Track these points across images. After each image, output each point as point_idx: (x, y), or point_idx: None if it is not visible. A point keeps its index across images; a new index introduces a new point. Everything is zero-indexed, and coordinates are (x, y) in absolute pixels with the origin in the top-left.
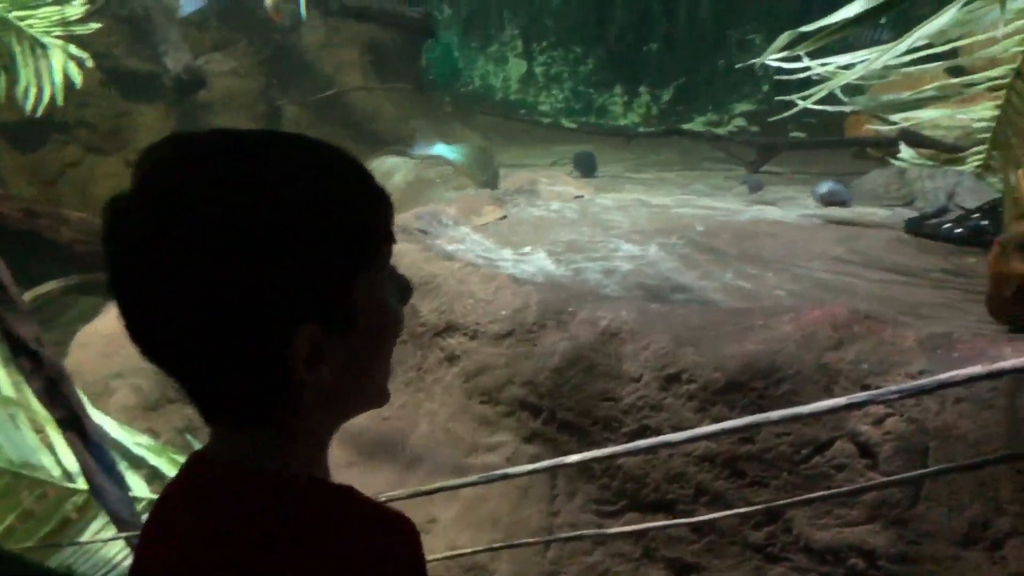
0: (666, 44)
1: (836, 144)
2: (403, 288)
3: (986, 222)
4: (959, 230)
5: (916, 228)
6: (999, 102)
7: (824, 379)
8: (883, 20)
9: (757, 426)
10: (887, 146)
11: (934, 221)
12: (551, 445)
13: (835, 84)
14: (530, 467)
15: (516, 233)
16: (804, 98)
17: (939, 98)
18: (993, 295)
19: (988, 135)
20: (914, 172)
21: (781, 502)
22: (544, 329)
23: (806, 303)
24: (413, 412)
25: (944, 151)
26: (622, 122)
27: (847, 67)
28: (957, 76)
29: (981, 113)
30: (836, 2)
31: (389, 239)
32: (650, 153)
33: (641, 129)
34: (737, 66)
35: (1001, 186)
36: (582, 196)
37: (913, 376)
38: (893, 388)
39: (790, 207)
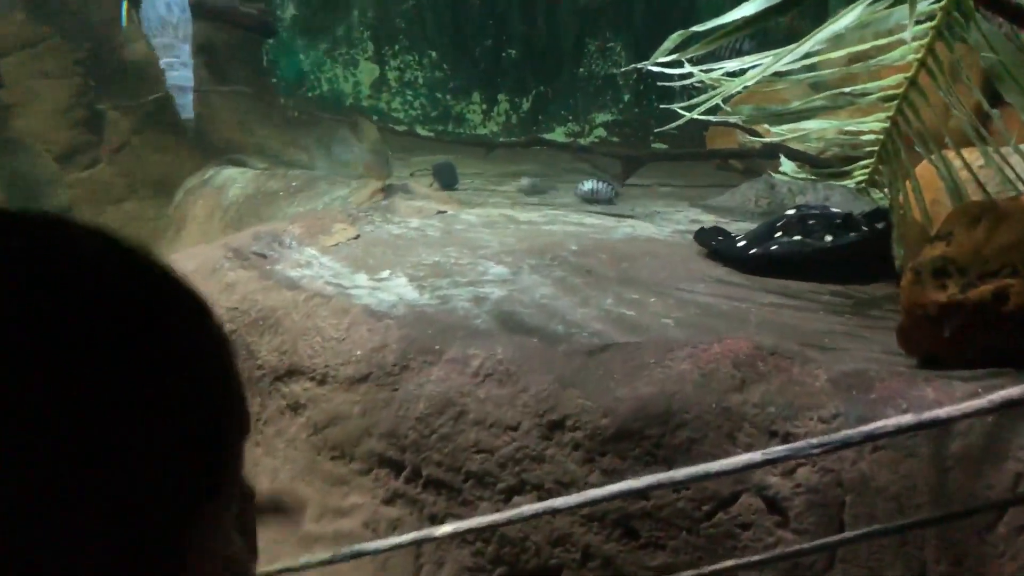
0: (525, 50)
1: (702, 156)
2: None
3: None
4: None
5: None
6: (890, 113)
7: (727, 425)
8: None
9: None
10: (753, 159)
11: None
12: (415, 507)
13: (725, 91)
14: (391, 542)
15: (372, 255)
16: (690, 108)
17: (829, 108)
18: (906, 326)
19: (876, 148)
20: (784, 187)
21: (684, 574)
22: (406, 371)
23: (699, 335)
24: (250, 471)
25: (811, 165)
26: (481, 131)
27: (734, 73)
28: (820, 90)
29: (872, 124)
30: (693, 12)
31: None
32: (511, 164)
33: (502, 139)
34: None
35: (885, 201)
36: (445, 211)
37: (826, 421)
38: (815, 442)
39: (661, 222)
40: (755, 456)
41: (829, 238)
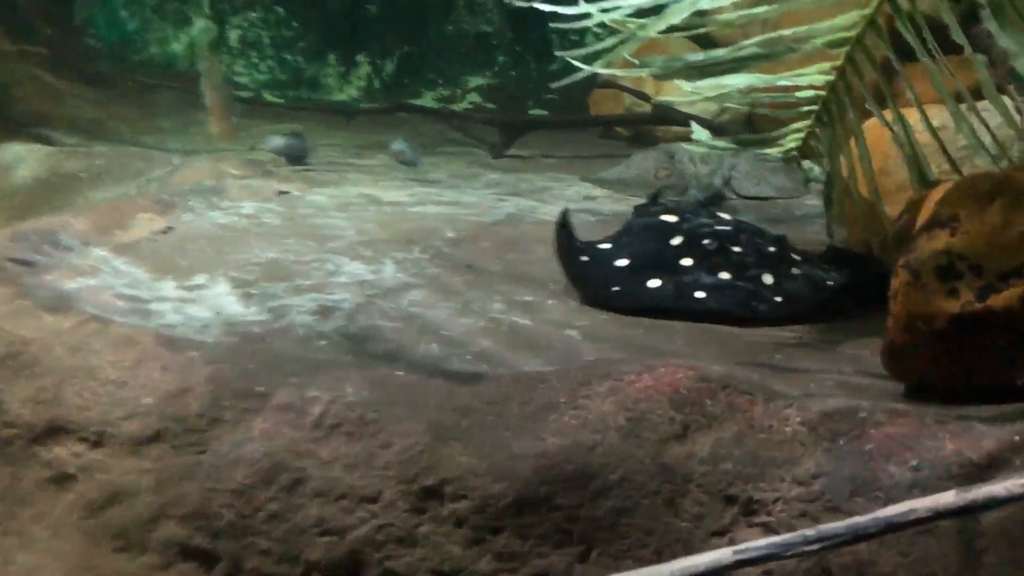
0: (386, 6)
1: (587, 123)
2: None
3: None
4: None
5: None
6: (838, 63)
7: (667, 488)
8: None
9: None
10: (642, 124)
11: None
12: None
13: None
14: None
15: (186, 254)
16: (590, 59)
17: (763, 58)
18: (900, 345)
19: (815, 107)
20: (685, 155)
21: None
22: (218, 425)
23: (618, 352)
24: None
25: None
26: (339, 97)
27: (645, 12)
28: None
29: (813, 78)
30: None
31: None
32: (375, 134)
33: (364, 105)
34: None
35: (818, 173)
36: (288, 192)
37: (804, 482)
38: (811, 533)
39: (550, 199)
40: (721, 554)
41: (769, 279)
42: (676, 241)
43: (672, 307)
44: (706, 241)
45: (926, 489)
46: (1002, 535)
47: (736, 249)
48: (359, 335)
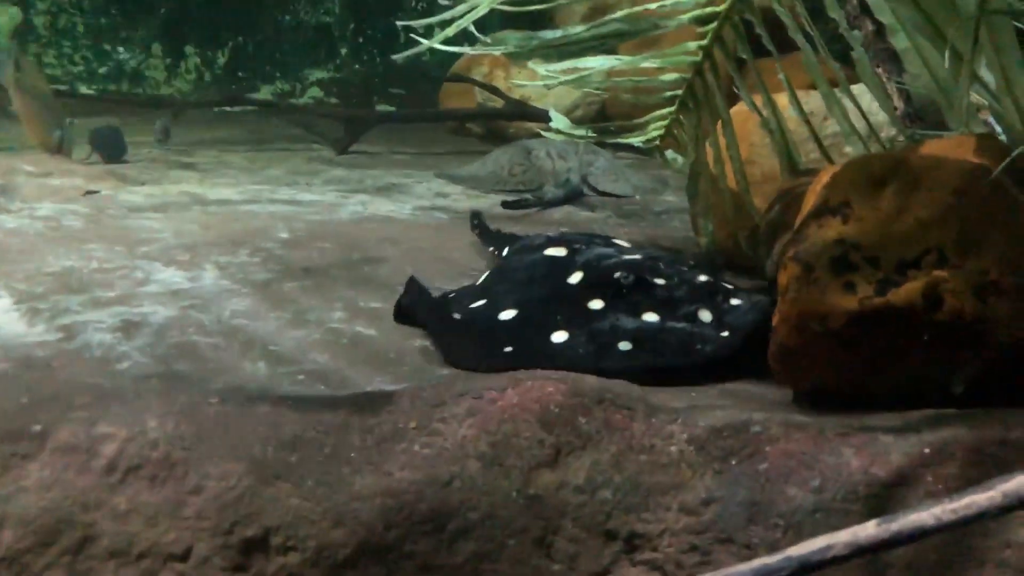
0: None
1: (436, 118)
2: None
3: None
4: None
5: (512, 204)
6: (704, 42)
7: (537, 525)
8: None
9: None
10: (495, 119)
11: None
12: None
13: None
14: None
15: None
16: (436, 31)
17: (626, 36)
18: (790, 347)
19: (679, 92)
20: (542, 151)
21: None
22: None
23: (482, 368)
24: None
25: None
26: (165, 90)
27: None
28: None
29: (677, 58)
30: None
31: None
32: (207, 130)
33: (193, 99)
34: (331, 19)
35: (681, 164)
36: (97, 192)
37: (693, 511)
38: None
39: (399, 197)
40: None
41: (707, 315)
42: (575, 278)
43: (592, 368)
44: (617, 274)
45: (830, 513)
46: (914, 564)
47: (659, 281)
48: (169, 355)
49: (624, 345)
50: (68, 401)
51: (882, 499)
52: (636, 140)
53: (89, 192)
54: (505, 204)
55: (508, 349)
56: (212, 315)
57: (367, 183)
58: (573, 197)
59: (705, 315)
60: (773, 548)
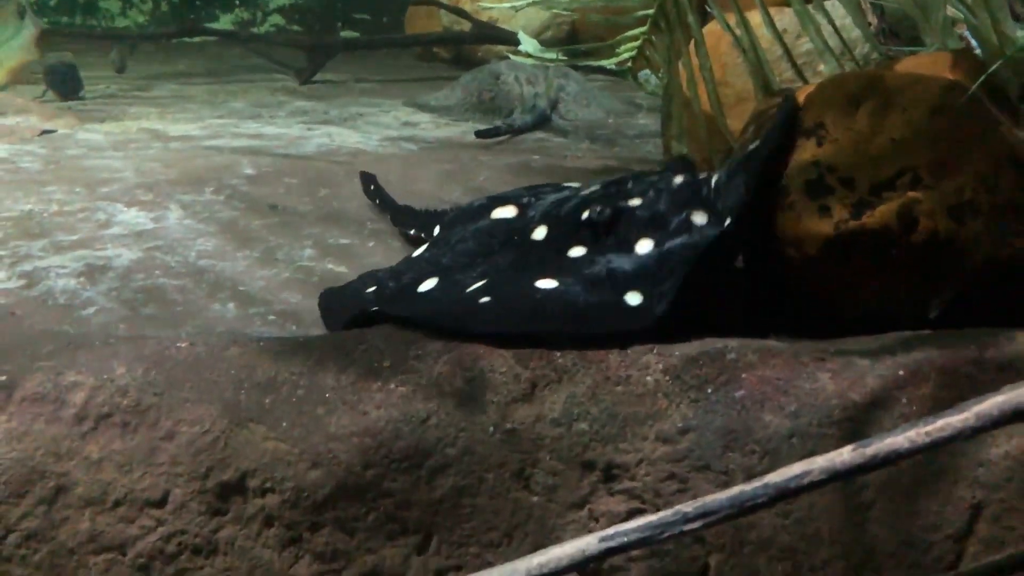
0: None
1: (402, 44)
2: None
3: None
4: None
5: (485, 133)
6: None
7: (514, 459)
8: None
9: None
10: (462, 44)
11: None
12: None
13: None
14: None
15: None
16: None
17: None
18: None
19: (650, 12)
20: (511, 76)
21: None
22: None
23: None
24: None
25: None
26: (121, 22)
27: None
28: None
29: None
30: None
31: None
32: (165, 64)
33: (151, 30)
34: None
35: (654, 85)
36: (53, 131)
37: (671, 439)
38: (690, 510)
39: (366, 127)
40: (588, 544)
41: (702, 218)
42: (539, 234)
43: (622, 330)
44: (587, 214)
45: (806, 438)
46: (889, 485)
47: (634, 202)
48: (136, 299)
49: (633, 298)
50: (33, 350)
51: (857, 422)
52: (608, 62)
53: (45, 131)
54: (478, 133)
55: (482, 300)
56: (178, 256)
57: (332, 114)
58: (542, 123)
59: (699, 217)
60: (751, 475)
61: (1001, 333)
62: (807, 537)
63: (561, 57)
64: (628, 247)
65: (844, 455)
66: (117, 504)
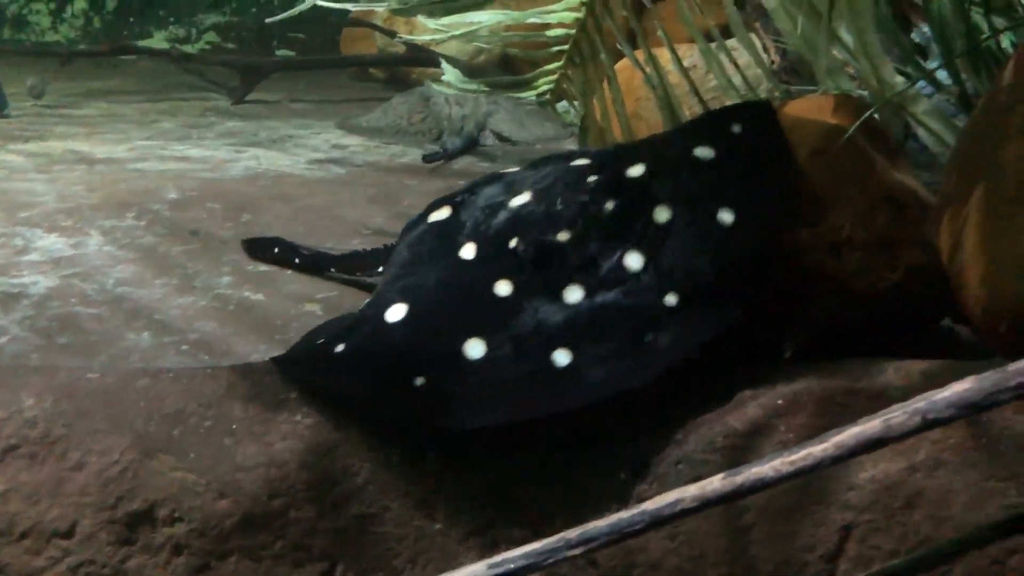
0: None
1: (336, 64)
2: None
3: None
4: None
5: (431, 157)
6: None
7: (419, 488)
8: None
9: None
10: (395, 67)
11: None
12: None
13: None
14: None
15: None
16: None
17: None
18: None
19: (566, 47)
20: (441, 98)
21: None
22: None
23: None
24: None
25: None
26: (50, 37)
27: None
28: None
29: (562, 15)
30: None
31: None
32: (96, 79)
33: (82, 47)
34: None
35: (573, 116)
36: None
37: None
38: (573, 536)
39: (295, 150)
40: (477, 570)
41: (637, 259)
42: (467, 252)
43: (541, 409)
44: (512, 243)
45: (692, 464)
46: (768, 508)
47: (563, 236)
48: (50, 328)
49: (561, 357)
50: None
51: (738, 449)
52: (527, 95)
53: None
54: (425, 158)
55: (418, 381)
56: (96, 284)
57: (262, 135)
58: (470, 146)
59: (634, 260)
60: (641, 499)
61: (873, 364)
62: (693, 559)
63: (482, 88)
64: (556, 292)
65: (715, 483)
66: (24, 536)
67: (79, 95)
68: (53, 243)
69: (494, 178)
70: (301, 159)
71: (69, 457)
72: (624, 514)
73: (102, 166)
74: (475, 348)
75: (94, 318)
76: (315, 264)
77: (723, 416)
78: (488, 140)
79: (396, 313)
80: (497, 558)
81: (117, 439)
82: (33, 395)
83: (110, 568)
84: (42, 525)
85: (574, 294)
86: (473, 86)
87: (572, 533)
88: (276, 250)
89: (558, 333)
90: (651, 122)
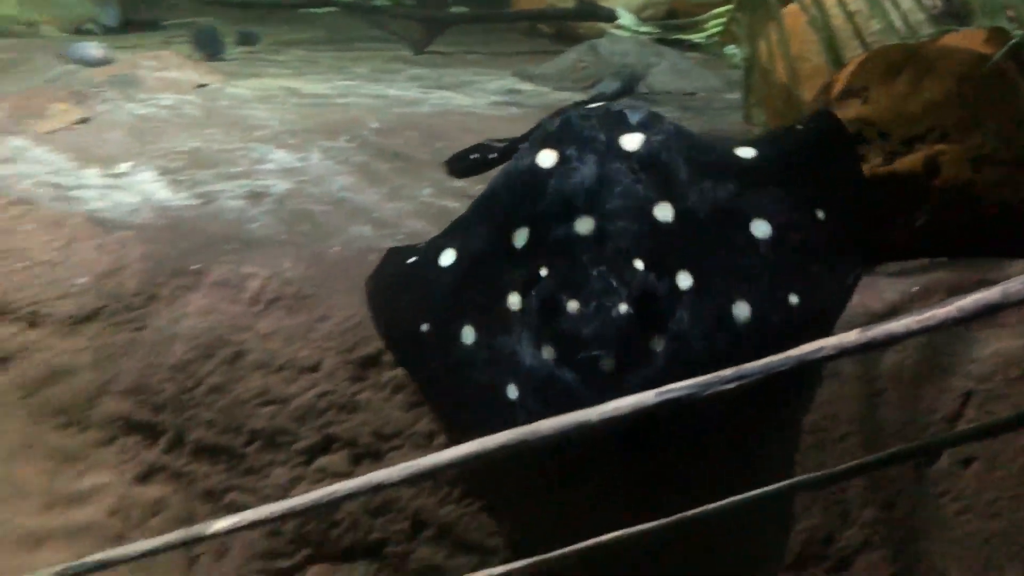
0: None
1: (508, 19)
2: None
3: None
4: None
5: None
6: None
7: None
8: None
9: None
10: (563, 21)
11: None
12: (182, 483)
13: None
14: (148, 544)
15: (106, 142)
16: None
17: None
18: None
19: None
20: (612, 47)
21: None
22: (154, 302)
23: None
24: None
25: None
26: None
27: None
28: None
29: None
30: None
31: None
32: (293, 32)
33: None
34: None
35: (739, 59)
36: (207, 85)
37: None
38: (728, 373)
39: (475, 93)
40: (647, 397)
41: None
42: (520, 239)
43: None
44: (543, 271)
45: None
46: (898, 376)
47: (572, 306)
48: (291, 218)
49: (510, 392)
50: (217, 248)
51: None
52: (696, 37)
53: (200, 85)
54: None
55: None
56: (322, 189)
57: (445, 80)
58: (627, 91)
59: (621, 308)
60: None
61: (1002, 261)
62: (829, 416)
63: (655, 30)
64: (540, 339)
65: (852, 336)
66: (281, 368)
67: (280, 44)
68: (283, 157)
69: (612, 141)
70: (481, 100)
71: (317, 311)
72: (774, 358)
73: (311, 100)
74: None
75: (324, 213)
76: (510, 153)
77: (864, 300)
78: (644, 88)
79: (447, 258)
80: (665, 388)
81: (354, 298)
82: (289, 261)
83: (345, 398)
84: (295, 361)
85: (546, 352)
86: (646, 28)
87: (728, 372)
88: (474, 156)
89: (518, 379)
90: (814, 63)
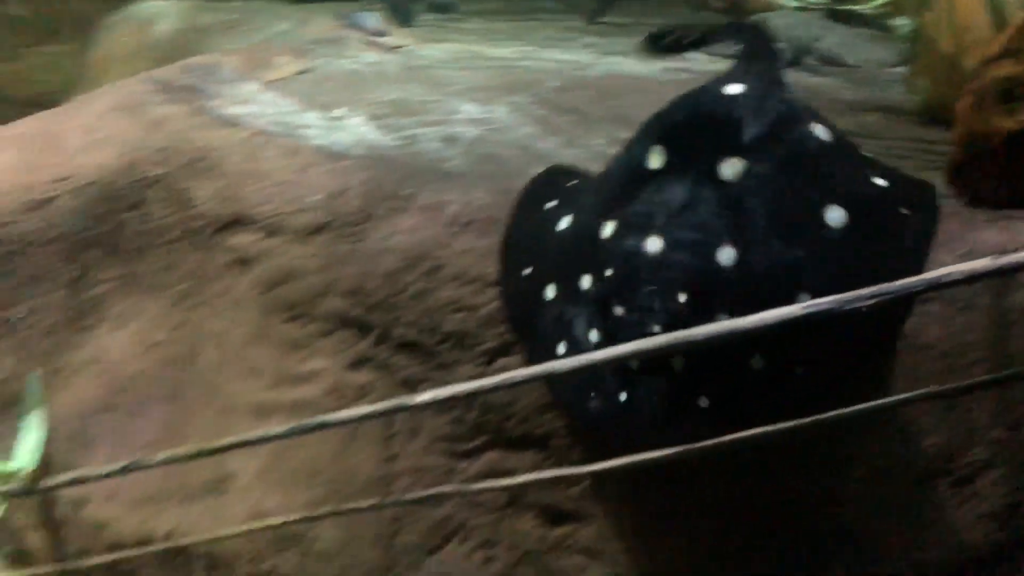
0: None
1: None
2: None
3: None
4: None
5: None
6: None
7: None
8: None
9: None
10: None
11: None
12: (386, 372)
13: None
14: (359, 411)
15: (323, 91)
16: None
17: None
18: (959, 162)
19: None
20: (781, 20)
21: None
22: (371, 220)
23: None
24: (193, 334)
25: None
26: None
27: None
28: None
29: None
30: None
31: None
32: (469, 3)
33: None
34: None
35: (905, 32)
36: (402, 46)
37: None
38: (867, 292)
39: (649, 60)
40: (794, 309)
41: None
42: (607, 230)
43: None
44: (586, 281)
45: None
46: None
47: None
48: (480, 158)
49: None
50: (422, 179)
51: None
52: (865, 7)
53: (397, 47)
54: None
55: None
56: (506, 136)
57: (617, 48)
58: (798, 59)
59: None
60: None
61: None
62: (961, 344)
63: (820, 4)
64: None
65: (982, 262)
66: (472, 280)
67: (461, 12)
68: (472, 109)
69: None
70: (654, 67)
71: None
72: (911, 279)
73: (495, 62)
74: (550, 292)
75: (509, 157)
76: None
77: (1002, 239)
78: (811, 59)
79: (564, 222)
80: (811, 302)
81: None
82: (481, 192)
83: None
84: (484, 275)
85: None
86: (816, 1)
87: (867, 291)
88: (672, 37)
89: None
90: (980, 35)
